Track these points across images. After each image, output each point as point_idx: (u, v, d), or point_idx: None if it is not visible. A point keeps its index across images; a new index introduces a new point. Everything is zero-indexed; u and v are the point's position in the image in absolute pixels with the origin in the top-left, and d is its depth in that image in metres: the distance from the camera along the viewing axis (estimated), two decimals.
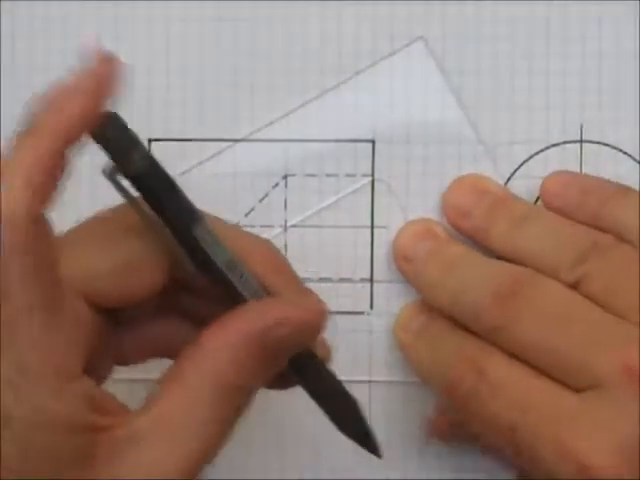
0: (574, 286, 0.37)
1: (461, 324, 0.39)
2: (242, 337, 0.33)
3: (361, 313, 0.43)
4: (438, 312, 0.40)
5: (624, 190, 0.40)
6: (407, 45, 0.42)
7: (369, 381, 0.43)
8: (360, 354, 0.43)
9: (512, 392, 0.37)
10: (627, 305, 0.36)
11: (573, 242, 0.38)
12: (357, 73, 0.43)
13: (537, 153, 0.42)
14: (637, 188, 0.40)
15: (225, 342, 0.33)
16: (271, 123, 0.43)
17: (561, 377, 0.36)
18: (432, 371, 0.39)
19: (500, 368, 0.37)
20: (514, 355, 0.37)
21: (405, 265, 0.42)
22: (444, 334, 0.40)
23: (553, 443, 0.35)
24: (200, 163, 0.43)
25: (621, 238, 0.38)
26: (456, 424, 0.42)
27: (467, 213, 0.41)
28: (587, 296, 0.37)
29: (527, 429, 0.36)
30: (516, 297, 0.37)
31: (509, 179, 0.42)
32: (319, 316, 0.35)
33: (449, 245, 0.41)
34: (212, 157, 0.43)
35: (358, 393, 0.42)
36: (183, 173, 0.43)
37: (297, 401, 0.43)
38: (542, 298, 0.37)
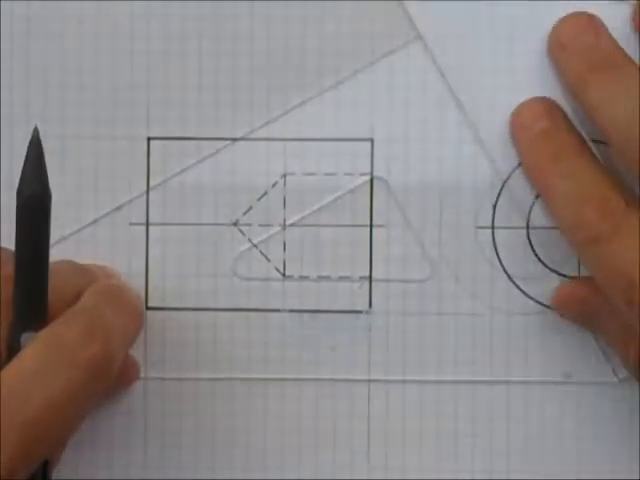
0: None
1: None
2: None
3: (360, 312, 0.43)
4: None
5: None
6: (406, 44, 0.42)
7: (368, 380, 0.43)
8: (359, 353, 0.43)
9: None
10: None
11: None
12: (356, 72, 0.43)
13: None
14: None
15: None
16: (270, 122, 0.43)
17: None
18: (563, 201, 0.40)
19: (632, 225, 0.38)
20: None
21: (559, 52, 0.41)
22: (584, 161, 0.40)
23: None
24: (199, 162, 0.43)
25: None
26: (582, 299, 0.42)
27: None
28: None
29: None
30: None
31: (507, 179, 0.42)
32: None
33: (610, 47, 0.40)
34: (211, 156, 0.43)
35: (357, 392, 0.43)
36: (181, 172, 0.43)
37: (297, 402, 0.43)
38: None
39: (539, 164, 0.41)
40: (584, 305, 0.42)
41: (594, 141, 0.41)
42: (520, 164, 0.42)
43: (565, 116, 0.42)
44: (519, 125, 0.42)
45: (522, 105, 0.42)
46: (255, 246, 0.43)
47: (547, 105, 0.42)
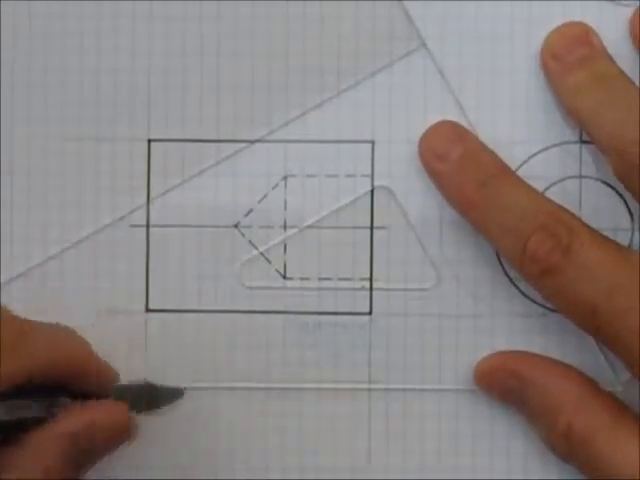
0: None
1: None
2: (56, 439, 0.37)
3: (360, 314, 0.43)
4: None
5: None
6: (407, 46, 0.42)
7: (368, 382, 0.43)
8: (359, 355, 0.43)
9: (599, 274, 0.37)
10: None
11: None
12: (357, 74, 0.43)
13: (537, 153, 0.42)
14: None
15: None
16: (271, 124, 0.43)
17: None
18: (502, 233, 0.39)
19: (586, 247, 0.37)
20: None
21: (551, 62, 0.41)
22: (512, 182, 0.40)
23: None
24: (199, 164, 0.43)
25: None
26: (508, 373, 0.41)
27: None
28: None
29: (611, 313, 0.36)
30: None
31: None
32: (120, 415, 0.38)
33: (604, 58, 0.40)
34: (211, 158, 0.43)
35: (358, 395, 0.43)
36: (182, 174, 0.43)
37: (299, 404, 0.43)
38: None
39: (464, 195, 0.40)
40: (510, 379, 0.41)
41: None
42: (520, 166, 0.42)
43: (477, 138, 0.41)
44: (432, 156, 0.41)
45: (429, 134, 0.41)
46: (256, 248, 0.43)
47: (457, 128, 0.41)
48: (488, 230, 0.40)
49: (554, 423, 0.40)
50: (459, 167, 0.40)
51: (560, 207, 0.39)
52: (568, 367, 0.41)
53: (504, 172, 0.40)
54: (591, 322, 0.38)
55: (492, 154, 0.40)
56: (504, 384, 0.41)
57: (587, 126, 0.40)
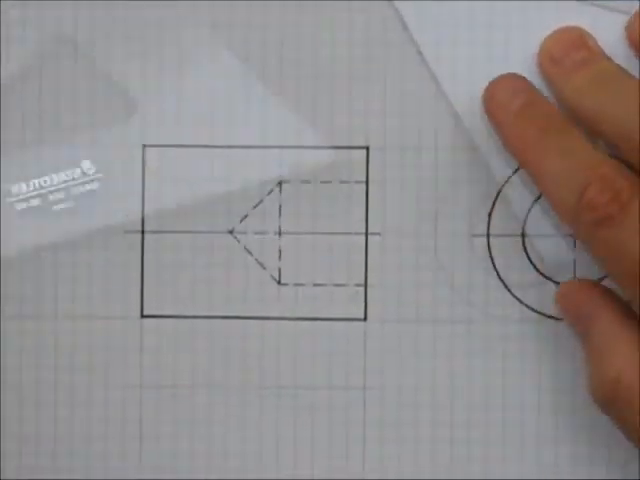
0: None
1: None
2: None
3: (355, 319, 0.43)
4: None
5: None
6: (400, 50, 0.42)
7: (363, 387, 0.43)
8: (354, 360, 0.43)
9: None
10: None
11: None
12: (351, 79, 0.42)
13: None
14: None
15: None
16: (265, 129, 0.43)
17: None
18: (559, 181, 0.38)
19: None
20: None
21: (551, 67, 0.41)
22: (574, 135, 0.39)
23: None
24: (194, 169, 0.43)
25: None
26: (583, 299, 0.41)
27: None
28: None
29: None
30: None
31: (504, 185, 0.42)
32: None
33: (603, 58, 0.41)
34: (206, 163, 0.43)
35: (352, 399, 0.43)
36: (177, 179, 0.43)
37: (293, 409, 0.43)
38: None
39: (525, 141, 0.40)
40: (582, 306, 0.41)
41: None
42: (516, 171, 0.42)
43: (541, 93, 0.41)
44: (495, 105, 0.41)
45: (493, 85, 0.41)
46: (251, 254, 0.43)
47: (521, 81, 0.41)
48: (544, 176, 0.39)
49: (607, 366, 0.39)
50: (520, 116, 0.40)
51: (623, 165, 0.39)
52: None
53: (566, 122, 0.40)
54: (636, 282, 0.37)
55: (555, 107, 0.40)
56: (578, 309, 0.41)
57: (594, 125, 0.40)
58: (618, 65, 0.40)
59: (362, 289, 0.43)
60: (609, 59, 0.41)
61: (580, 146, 0.39)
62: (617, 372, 0.38)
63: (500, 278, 0.42)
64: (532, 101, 0.40)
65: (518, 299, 0.42)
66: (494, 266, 0.42)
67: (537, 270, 0.42)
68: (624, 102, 0.39)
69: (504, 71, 0.42)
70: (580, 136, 0.39)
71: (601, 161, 0.38)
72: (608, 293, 0.40)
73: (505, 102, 0.40)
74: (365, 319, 0.43)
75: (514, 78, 0.41)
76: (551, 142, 0.39)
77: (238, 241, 0.43)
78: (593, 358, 0.40)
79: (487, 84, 0.41)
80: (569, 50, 0.41)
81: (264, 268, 0.43)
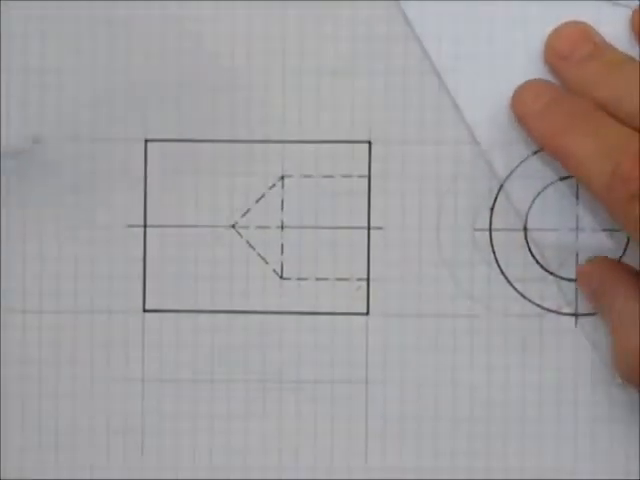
0: None
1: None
2: None
3: (357, 314, 0.43)
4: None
5: None
6: (403, 45, 0.42)
7: (365, 381, 0.43)
8: (357, 355, 0.43)
9: None
10: None
11: None
12: (353, 73, 0.43)
13: (534, 153, 0.42)
14: None
15: None
16: (268, 124, 0.43)
17: None
18: (592, 158, 0.39)
19: None
20: None
21: (560, 63, 0.41)
22: (604, 117, 0.40)
23: None
24: (196, 164, 0.43)
25: None
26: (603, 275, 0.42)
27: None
28: None
29: None
30: None
31: (506, 179, 0.42)
32: None
33: (610, 49, 0.41)
34: (208, 158, 0.43)
35: (355, 393, 0.43)
36: (179, 174, 0.43)
37: (295, 403, 0.43)
38: None
39: (554, 128, 0.40)
40: (605, 282, 0.41)
41: None
42: (518, 166, 0.42)
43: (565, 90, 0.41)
44: (522, 104, 0.41)
45: (519, 89, 0.42)
46: (253, 248, 0.43)
47: (546, 82, 0.42)
48: (576, 158, 0.39)
49: (631, 337, 0.40)
50: (548, 107, 0.41)
51: None
52: None
53: (593, 106, 0.40)
54: None
55: (584, 98, 0.41)
56: (601, 285, 0.41)
57: (614, 112, 0.40)
58: (625, 53, 0.41)
59: (364, 283, 0.43)
60: (615, 49, 0.41)
61: (610, 125, 0.39)
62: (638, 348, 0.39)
63: (502, 272, 0.42)
64: (559, 95, 0.41)
65: (520, 293, 0.42)
66: (496, 260, 0.42)
67: (539, 264, 0.42)
68: (637, 88, 0.39)
69: (506, 66, 0.42)
70: (608, 117, 0.40)
71: (632, 138, 0.39)
72: (629, 269, 0.41)
73: (532, 99, 0.41)
74: (367, 313, 0.43)
75: (540, 81, 0.42)
76: (581, 125, 0.40)
77: (240, 235, 0.43)
78: (616, 331, 0.40)
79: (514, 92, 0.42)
80: (576, 45, 0.41)
81: (266, 262, 0.43)
